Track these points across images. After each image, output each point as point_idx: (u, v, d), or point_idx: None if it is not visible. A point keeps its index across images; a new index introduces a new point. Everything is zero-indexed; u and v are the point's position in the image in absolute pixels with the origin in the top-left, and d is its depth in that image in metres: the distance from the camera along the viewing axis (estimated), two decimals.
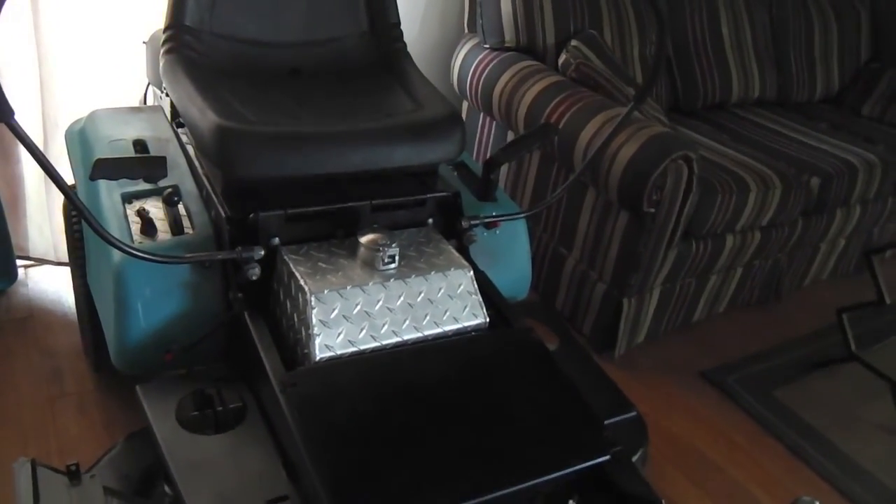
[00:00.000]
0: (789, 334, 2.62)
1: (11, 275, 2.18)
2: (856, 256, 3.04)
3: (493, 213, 1.63)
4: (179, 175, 1.57)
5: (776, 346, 2.54)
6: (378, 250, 1.34)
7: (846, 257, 3.01)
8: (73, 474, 1.24)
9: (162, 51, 1.61)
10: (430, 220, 1.55)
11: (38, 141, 2.09)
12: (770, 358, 2.47)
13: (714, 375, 2.33)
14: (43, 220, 2.25)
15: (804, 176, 2.51)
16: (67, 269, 2.24)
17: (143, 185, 1.50)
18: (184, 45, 1.60)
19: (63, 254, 2.26)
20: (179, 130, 1.70)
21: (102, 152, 1.59)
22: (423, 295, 1.35)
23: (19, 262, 2.23)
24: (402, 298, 1.33)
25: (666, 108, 2.88)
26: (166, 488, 1.26)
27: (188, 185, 1.55)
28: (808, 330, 2.65)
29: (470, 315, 1.38)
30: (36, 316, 2.12)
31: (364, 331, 1.29)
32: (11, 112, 1.04)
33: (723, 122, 2.92)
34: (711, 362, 2.40)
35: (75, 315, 2.10)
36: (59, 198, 2.18)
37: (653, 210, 2.03)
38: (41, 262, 2.32)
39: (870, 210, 2.84)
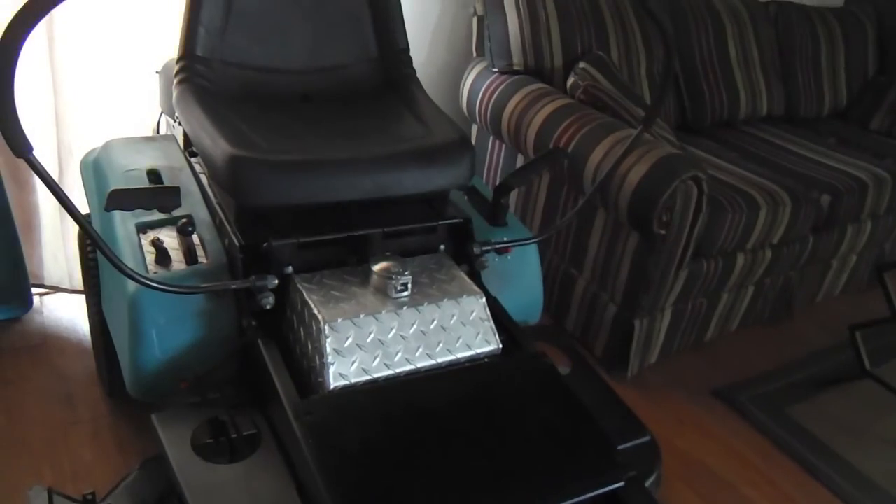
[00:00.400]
0: (801, 351, 2.61)
1: (26, 302, 2.20)
2: (868, 272, 3.03)
3: (505, 238, 1.64)
4: (193, 204, 1.58)
5: (788, 364, 2.53)
6: (391, 278, 1.35)
7: (858, 273, 3.00)
8: (90, 503, 1.25)
9: (174, 81, 1.63)
10: (442, 247, 1.56)
11: (53, 170, 2.11)
12: (782, 375, 2.46)
13: (726, 394, 2.32)
14: (58, 248, 2.26)
15: (814, 192, 2.51)
16: (82, 297, 2.25)
17: (157, 215, 1.52)
18: (196, 74, 1.62)
19: (78, 281, 2.28)
20: (192, 159, 1.72)
21: (117, 182, 1.61)
22: (435, 322, 1.36)
23: (34, 289, 2.24)
24: (415, 326, 1.34)
25: (674, 126, 2.89)
26: None
27: (201, 214, 1.56)
28: (820, 347, 2.65)
29: (483, 342, 1.39)
30: (50, 343, 2.13)
31: (378, 359, 1.30)
32: (30, 147, 1.06)
33: (731, 139, 2.93)
34: (723, 380, 2.39)
35: (89, 342, 2.12)
36: (73, 226, 2.20)
37: (663, 231, 2.03)
38: (56, 289, 2.33)
39: (881, 225, 2.83)
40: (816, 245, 2.60)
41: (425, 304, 1.36)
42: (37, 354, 2.09)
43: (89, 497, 1.25)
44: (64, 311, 2.27)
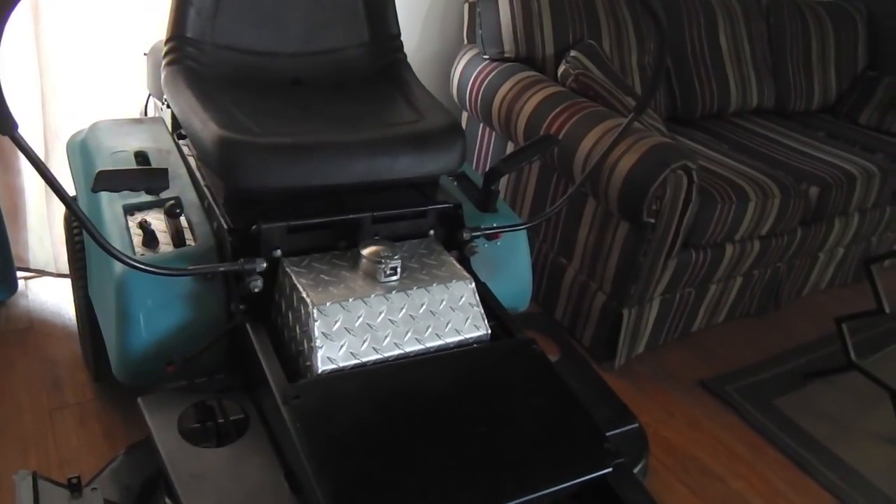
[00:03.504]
0: (788, 343, 2.62)
1: (11, 286, 2.18)
2: (854, 265, 3.05)
3: (494, 225, 1.64)
4: (181, 186, 1.57)
5: (775, 356, 2.54)
6: (380, 262, 1.34)
7: (845, 266, 3.01)
8: (75, 487, 1.24)
9: (163, 62, 1.61)
10: (432, 232, 1.55)
11: (39, 152, 2.09)
12: (769, 367, 2.47)
13: (714, 385, 2.33)
14: (43, 232, 2.24)
15: (803, 185, 2.52)
16: (67, 281, 2.24)
17: (144, 197, 1.51)
18: (185, 56, 1.61)
19: (63, 265, 2.26)
20: (181, 142, 1.71)
21: (104, 164, 1.59)
22: (425, 307, 1.35)
23: (19, 273, 2.23)
24: (404, 310, 1.33)
25: (664, 118, 2.89)
26: (167, 501, 1.26)
27: (190, 197, 1.55)
28: (807, 339, 2.66)
29: (472, 327, 1.38)
30: (36, 327, 2.12)
31: (366, 343, 1.29)
32: (15, 125, 1.05)
33: (721, 131, 2.93)
34: (711, 372, 2.40)
35: (75, 326, 2.11)
36: (59, 209, 2.18)
37: (652, 220, 2.03)
38: (41, 273, 2.31)
39: (868, 219, 2.85)
40: (804, 237, 2.61)
41: (414, 288, 1.35)
42: (22, 339, 2.07)
43: (74, 481, 1.24)
44: (49, 295, 2.25)
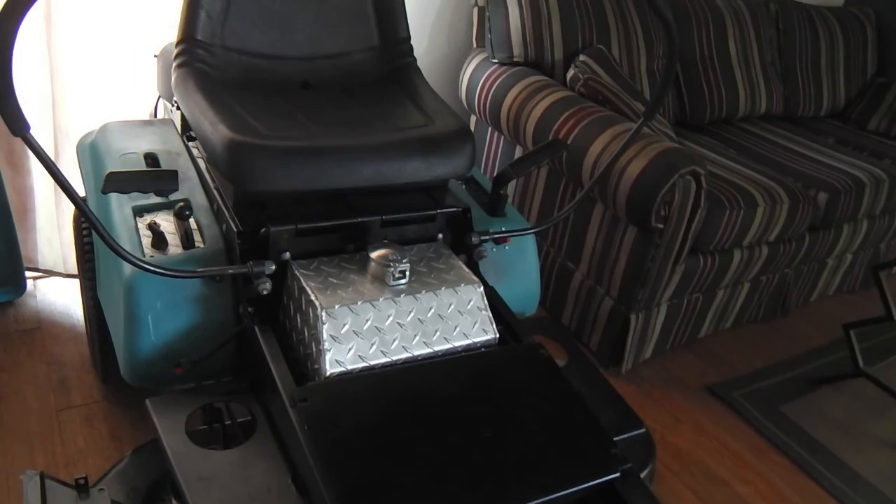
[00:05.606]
0: (796, 350, 2.62)
1: (20, 286, 2.18)
2: (862, 272, 3.04)
3: (503, 229, 1.64)
4: (190, 188, 1.58)
5: (783, 362, 2.53)
6: (388, 265, 1.34)
7: (853, 273, 3.01)
8: (82, 487, 1.24)
9: (174, 64, 1.62)
10: (440, 235, 1.55)
11: (49, 153, 2.10)
12: (777, 373, 2.46)
13: (721, 390, 2.32)
14: (52, 232, 2.25)
15: (811, 191, 2.52)
16: (76, 282, 2.25)
17: (154, 199, 1.51)
18: (196, 58, 1.61)
19: (72, 266, 2.27)
20: (190, 144, 1.71)
21: (114, 165, 1.60)
22: (433, 310, 1.35)
23: (28, 273, 2.23)
24: (412, 314, 1.33)
25: (673, 123, 2.89)
26: (174, 502, 1.26)
27: (199, 199, 1.55)
28: (814, 345, 2.65)
29: (480, 331, 1.38)
30: (44, 327, 2.12)
31: (374, 346, 1.29)
32: (27, 126, 1.05)
33: (729, 136, 2.93)
34: (718, 377, 2.40)
35: (83, 327, 2.11)
36: (68, 210, 2.19)
37: (661, 225, 2.03)
38: (50, 273, 2.32)
39: (877, 225, 2.84)
40: (813, 244, 2.61)
41: (423, 292, 1.35)
42: (30, 339, 2.08)
43: (81, 482, 1.24)
44: (58, 296, 2.26)
